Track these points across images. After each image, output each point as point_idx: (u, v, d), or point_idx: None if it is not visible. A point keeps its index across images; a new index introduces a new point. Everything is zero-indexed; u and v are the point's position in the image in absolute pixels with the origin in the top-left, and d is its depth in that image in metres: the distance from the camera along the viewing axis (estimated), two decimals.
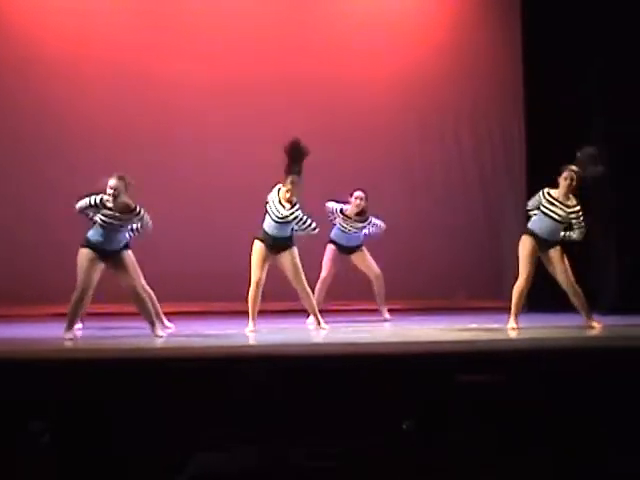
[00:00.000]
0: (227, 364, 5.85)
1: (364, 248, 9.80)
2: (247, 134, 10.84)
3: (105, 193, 8.06)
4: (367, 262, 9.77)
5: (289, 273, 8.71)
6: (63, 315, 8.22)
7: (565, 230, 8.68)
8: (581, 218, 8.60)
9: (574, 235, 8.66)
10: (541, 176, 9.02)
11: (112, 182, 8.09)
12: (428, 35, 11.46)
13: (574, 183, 8.55)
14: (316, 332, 8.63)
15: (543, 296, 9.36)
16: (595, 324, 8.56)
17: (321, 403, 5.25)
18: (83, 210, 8.22)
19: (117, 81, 10.86)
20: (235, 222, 10.47)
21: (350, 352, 6.82)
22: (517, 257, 8.74)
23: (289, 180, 8.56)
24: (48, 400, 5.19)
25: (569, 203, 8.59)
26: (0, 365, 5.87)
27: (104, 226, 8.13)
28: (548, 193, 8.60)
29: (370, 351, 6.84)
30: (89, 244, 8.15)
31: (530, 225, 8.69)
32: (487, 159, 11.42)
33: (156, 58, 10.96)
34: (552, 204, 8.58)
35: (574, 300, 8.61)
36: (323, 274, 9.66)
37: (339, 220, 9.72)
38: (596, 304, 9.48)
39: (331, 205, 9.73)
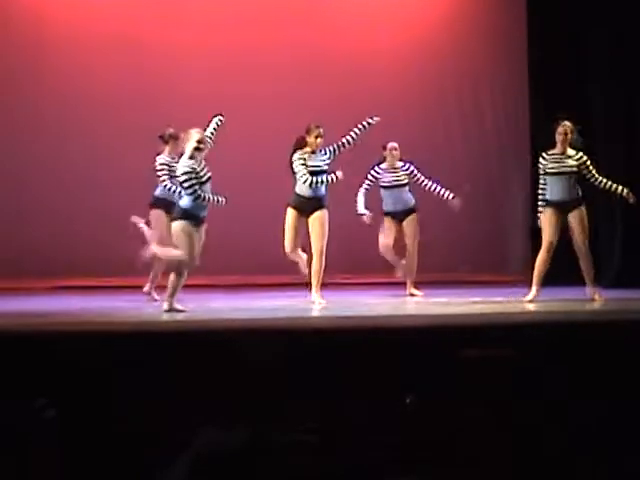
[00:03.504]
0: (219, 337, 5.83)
1: (416, 216, 9.57)
2: (259, 104, 10.71)
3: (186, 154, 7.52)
4: (414, 231, 9.53)
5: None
6: (66, 288, 8.18)
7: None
8: (590, 167, 8.48)
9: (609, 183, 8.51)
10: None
11: (198, 135, 7.53)
12: (434, 4, 11.42)
13: (569, 136, 8.46)
14: (315, 306, 8.48)
15: (549, 270, 9.31)
16: (597, 296, 8.50)
17: (322, 379, 5.22)
18: (190, 187, 7.45)
19: (120, 53, 10.71)
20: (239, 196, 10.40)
21: (351, 326, 6.79)
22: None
23: None
24: (52, 374, 5.16)
25: (570, 154, 8.50)
26: (3, 339, 5.84)
27: (200, 191, 7.49)
28: (546, 153, 8.49)
29: (372, 325, 6.80)
30: (186, 216, 7.56)
31: (547, 195, 8.55)
32: (491, 132, 11.33)
33: (159, 29, 10.84)
34: (555, 162, 8.47)
35: (583, 264, 8.51)
36: (382, 240, 9.40)
37: (381, 176, 9.50)
38: (601, 277, 9.46)
39: (362, 192, 9.43)
